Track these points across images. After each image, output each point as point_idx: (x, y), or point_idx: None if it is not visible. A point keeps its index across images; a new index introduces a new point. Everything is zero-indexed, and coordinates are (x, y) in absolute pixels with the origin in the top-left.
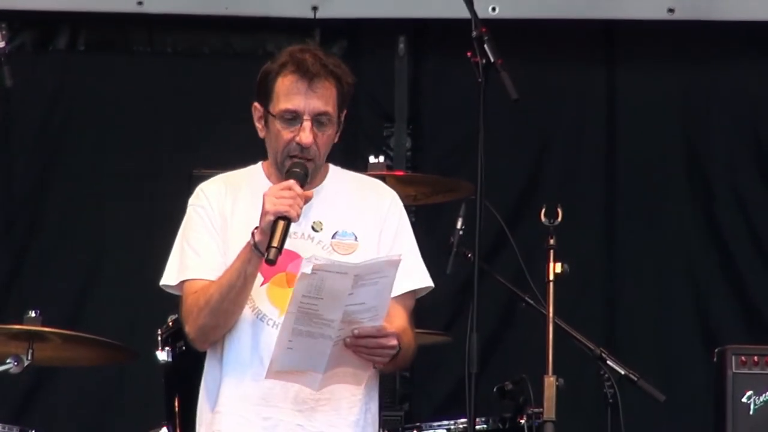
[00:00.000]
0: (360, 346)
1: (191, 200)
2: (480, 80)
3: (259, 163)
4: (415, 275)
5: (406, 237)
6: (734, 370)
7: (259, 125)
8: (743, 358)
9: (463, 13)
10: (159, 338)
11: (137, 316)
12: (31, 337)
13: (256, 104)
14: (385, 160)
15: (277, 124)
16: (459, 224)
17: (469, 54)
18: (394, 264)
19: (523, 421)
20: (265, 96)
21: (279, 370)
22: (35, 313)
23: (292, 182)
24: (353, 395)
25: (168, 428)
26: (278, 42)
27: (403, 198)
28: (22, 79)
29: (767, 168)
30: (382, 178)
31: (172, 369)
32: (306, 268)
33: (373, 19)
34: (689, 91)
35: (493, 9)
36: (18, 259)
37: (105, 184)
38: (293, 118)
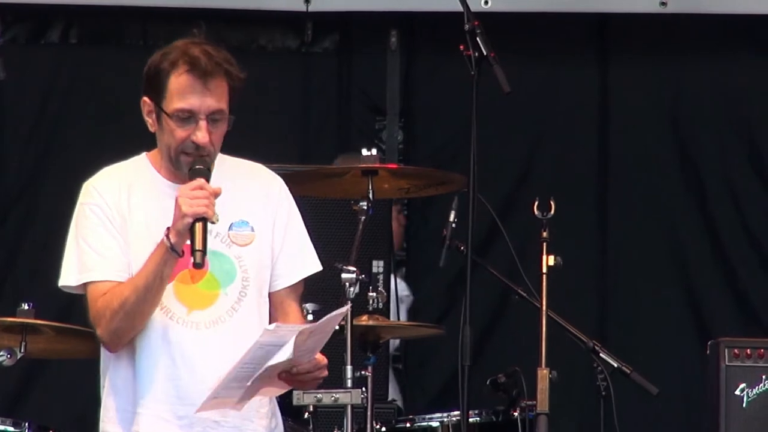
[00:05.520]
0: (295, 380)
1: (83, 198)
2: (473, 73)
3: (143, 155)
4: (307, 261)
5: (296, 223)
6: (727, 363)
7: (149, 120)
8: (736, 350)
9: (456, 6)
10: None
11: None
12: (24, 330)
13: (145, 98)
14: (377, 153)
15: (171, 123)
16: (452, 217)
17: (461, 47)
18: (336, 322)
19: (516, 414)
20: (157, 92)
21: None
22: (28, 305)
23: (202, 181)
24: None
25: None
26: (270, 36)
27: (395, 191)
28: (14, 72)
29: (758, 160)
30: (375, 171)
31: None
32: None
33: (366, 12)
34: (681, 85)
35: (486, 2)
36: (11, 252)
37: None
38: (188, 117)
